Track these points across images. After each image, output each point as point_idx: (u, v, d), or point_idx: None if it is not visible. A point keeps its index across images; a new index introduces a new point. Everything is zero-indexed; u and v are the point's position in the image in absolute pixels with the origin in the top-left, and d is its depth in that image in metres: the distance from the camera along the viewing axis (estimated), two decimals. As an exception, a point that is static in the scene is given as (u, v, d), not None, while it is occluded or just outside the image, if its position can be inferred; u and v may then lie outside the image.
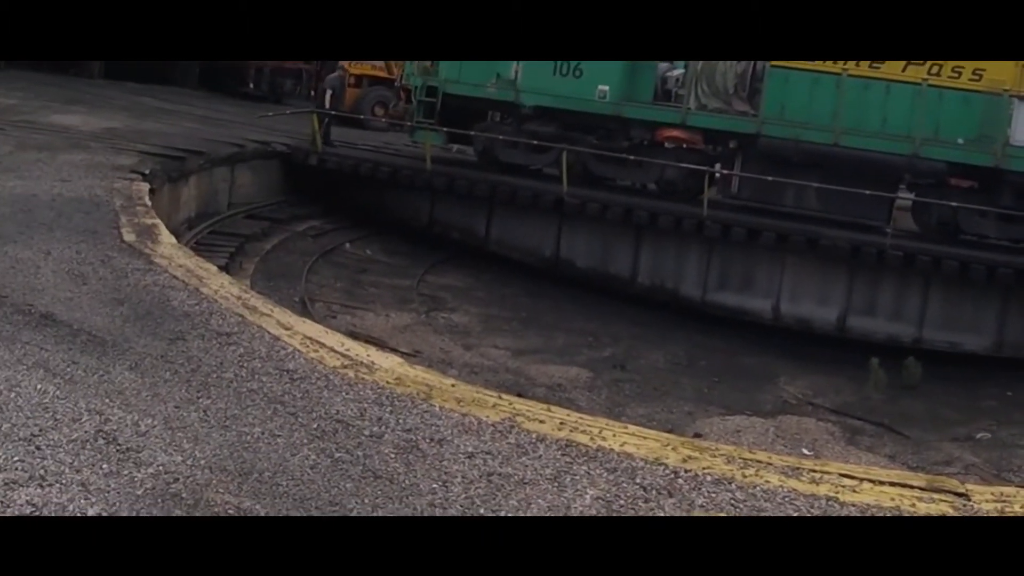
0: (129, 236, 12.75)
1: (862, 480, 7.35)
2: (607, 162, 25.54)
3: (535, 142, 25.57)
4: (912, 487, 7.28)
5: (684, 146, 25.19)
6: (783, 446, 16.05)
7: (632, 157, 25.08)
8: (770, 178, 23.49)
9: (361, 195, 26.65)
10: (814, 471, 7.46)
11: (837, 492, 7.05)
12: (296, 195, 26.34)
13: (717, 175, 25.61)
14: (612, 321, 23.00)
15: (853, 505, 6.85)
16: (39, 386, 7.65)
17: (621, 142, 25.30)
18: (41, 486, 6.08)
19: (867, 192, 22.44)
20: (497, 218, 25.70)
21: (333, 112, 29.49)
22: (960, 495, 7.18)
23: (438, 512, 6.35)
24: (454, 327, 21.36)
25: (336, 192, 26.65)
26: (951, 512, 6.86)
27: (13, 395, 7.41)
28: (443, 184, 25.45)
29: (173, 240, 13.20)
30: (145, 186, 16.46)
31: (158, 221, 14.01)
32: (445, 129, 26.34)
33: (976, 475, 15.25)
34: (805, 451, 15.64)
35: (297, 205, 25.94)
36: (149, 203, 15.29)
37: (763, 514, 6.65)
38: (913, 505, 6.92)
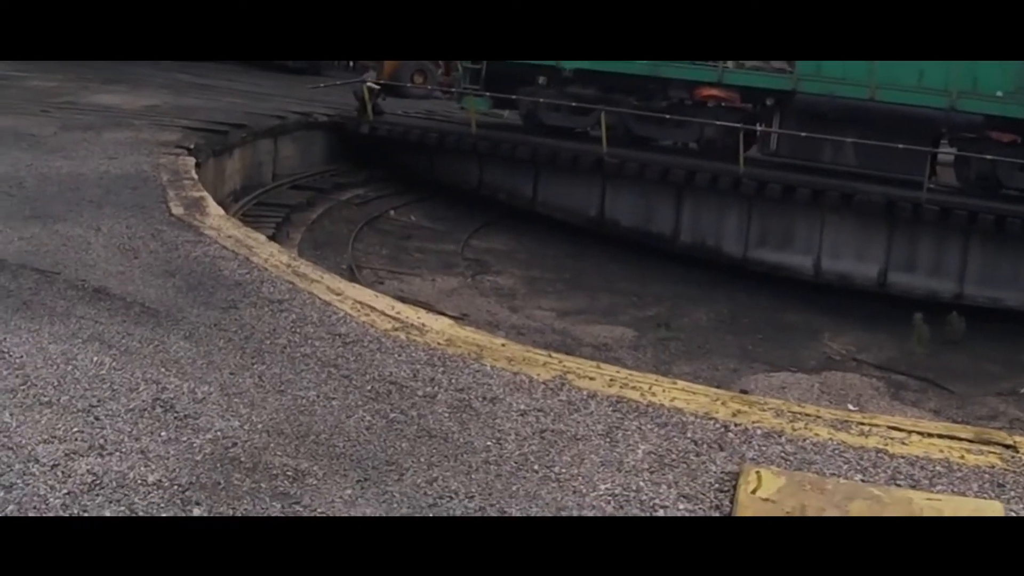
0: (177, 209, 12.88)
1: (911, 432, 7.35)
2: (648, 122, 25.61)
3: (575, 104, 25.69)
4: (960, 439, 7.28)
5: (722, 104, 25.15)
6: (828, 401, 16.09)
7: (669, 116, 25.08)
8: (803, 134, 23.49)
9: (411, 161, 26.94)
10: (863, 424, 7.48)
11: (886, 444, 7.07)
12: (340, 164, 26.52)
13: (757, 132, 25.60)
14: (654, 280, 23.07)
15: (902, 457, 6.86)
16: (95, 358, 7.77)
17: (660, 102, 25.33)
18: (101, 455, 6.19)
19: (901, 147, 22.35)
20: (543, 180, 25.90)
21: (381, 83, 29.56)
22: (1008, 447, 7.18)
23: (493, 469, 6.44)
24: (500, 289, 21.51)
25: (385, 159, 26.91)
26: (999, 464, 6.89)
27: (70, 368, 7.53)
28: (487, 148, 25.78)
29: (221, 212, 13.31)
30: (191, 160, 16.59)
31: (205, 194, 14.12)
32: (489, 94, 26.53)
33: (1021, 428, 15.24)
34: (850, 406, 15.66)
35: (340, 175, 26.10)
36: (195, 177, 15.41)
37: (813, 467, 6.70)
38: (962, 457, 6.93)
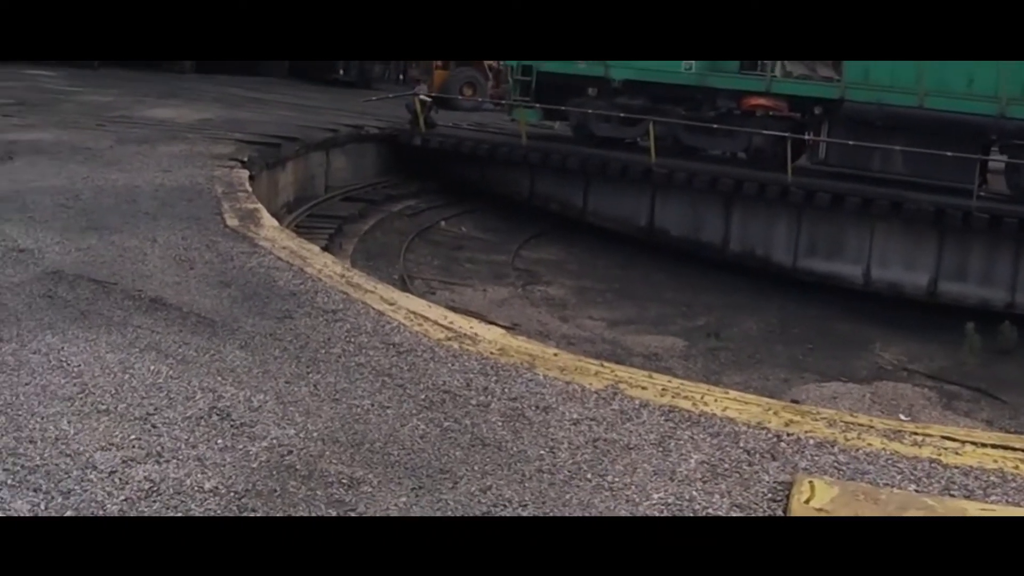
0: (232, 221, 12.98)
1: (964, 442, 7.27)
2: (696, 132, 25.64)
3: (622, 115, 25.77)
4: (1015, 449, 7.19)
5: (770, 114, 25.14)
6: (880, 411, 16.02)
7: (718, 126, 25.09)
8: (852, 142, 23.43)
9: (462, 172, 27.17)
10: (916, 434, 7.41)
11: (940, 454, 7.01)
12: (391, 176, 26.72)
13: (806, 141, 25.57)
14: (704, 290, 23.07)
15: (956, 467, 6.80)
16: (152, 367, 7.84)
17: (708, 112, 25.36)
18: (158, 462, 6.26)
19: (949, 154, 22.22)
20: (593, 190, 26.06)
21: (433, 95, 29.86)
22: (1063, 457, 7.14)
23: (546, 477, 6.46)
24: (550, 300, 21.58)
25: (437, 171, 27.10)
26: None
27: (127, 376, 7.61)
28: (538, 159, 25.97)
29: (275, 223, 13.41)
30: (244, 173, 16.75)
31: (259, 206, 14.22)
32: (539, 106, 26.69)
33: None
34: (902, 416, 15.58)
35: (392, 186, 26.31)
36: (249, 189, 15.54)
37: (866, 477, 6.69)
38: (1016, 467, 6.86)
